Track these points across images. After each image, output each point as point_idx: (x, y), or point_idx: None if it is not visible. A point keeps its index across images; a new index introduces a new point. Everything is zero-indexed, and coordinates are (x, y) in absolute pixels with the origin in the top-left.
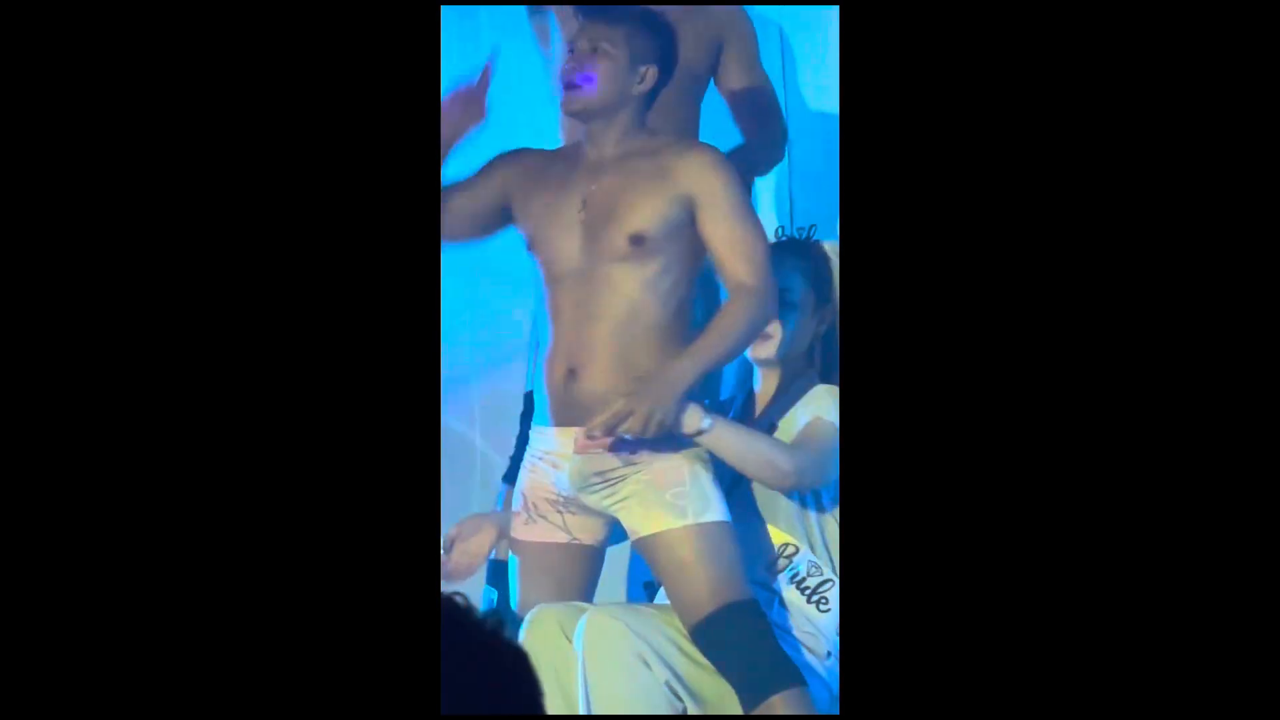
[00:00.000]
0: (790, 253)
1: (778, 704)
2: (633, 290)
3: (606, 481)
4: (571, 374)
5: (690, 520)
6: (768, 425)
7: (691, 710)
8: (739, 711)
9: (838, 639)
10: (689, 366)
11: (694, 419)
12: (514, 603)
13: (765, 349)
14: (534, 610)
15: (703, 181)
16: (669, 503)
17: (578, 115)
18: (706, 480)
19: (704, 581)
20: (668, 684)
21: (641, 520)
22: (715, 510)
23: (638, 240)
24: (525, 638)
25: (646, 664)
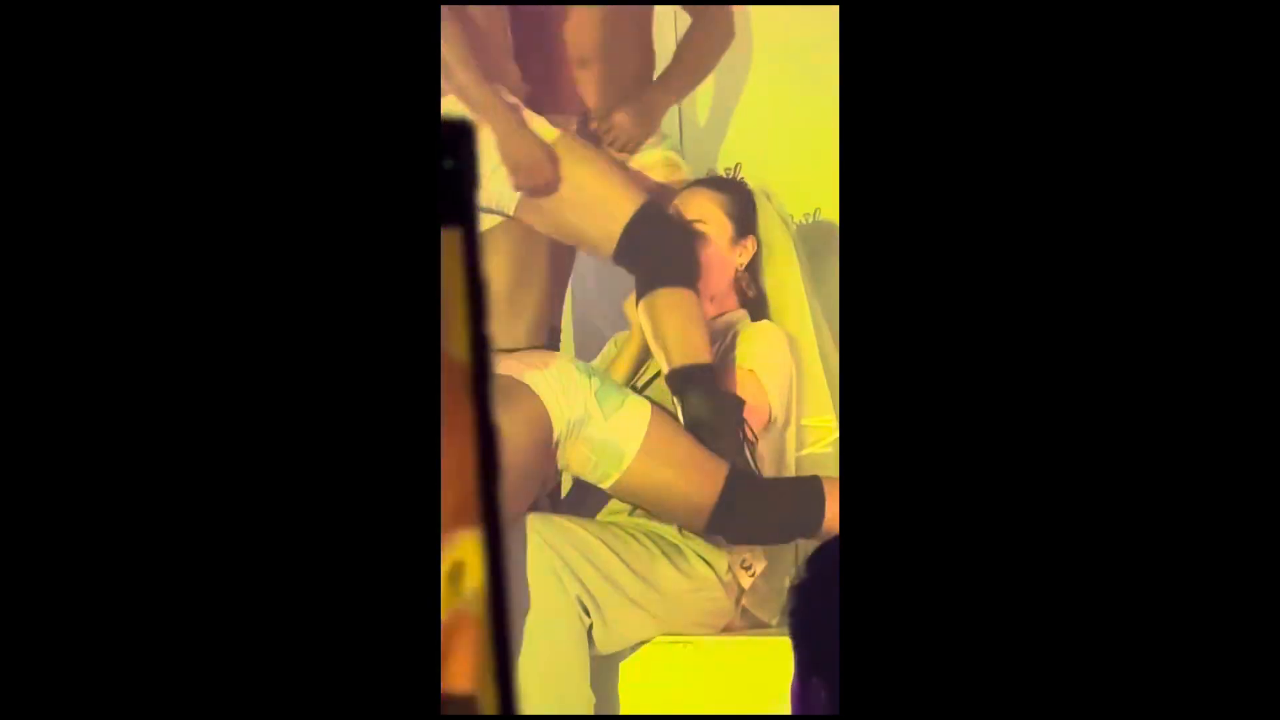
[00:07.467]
0: (707, 185)
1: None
2: None
3: None
4: None
5: None
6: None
7: (597, 625)
8: (645, 624)
9: None
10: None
11: None
12: None
13: None
14: None
15: None
16: None
17: None
18: None
19: None
20: (578, 598)
21: None
22: None
23: None
24: None
25: (558, 577)
